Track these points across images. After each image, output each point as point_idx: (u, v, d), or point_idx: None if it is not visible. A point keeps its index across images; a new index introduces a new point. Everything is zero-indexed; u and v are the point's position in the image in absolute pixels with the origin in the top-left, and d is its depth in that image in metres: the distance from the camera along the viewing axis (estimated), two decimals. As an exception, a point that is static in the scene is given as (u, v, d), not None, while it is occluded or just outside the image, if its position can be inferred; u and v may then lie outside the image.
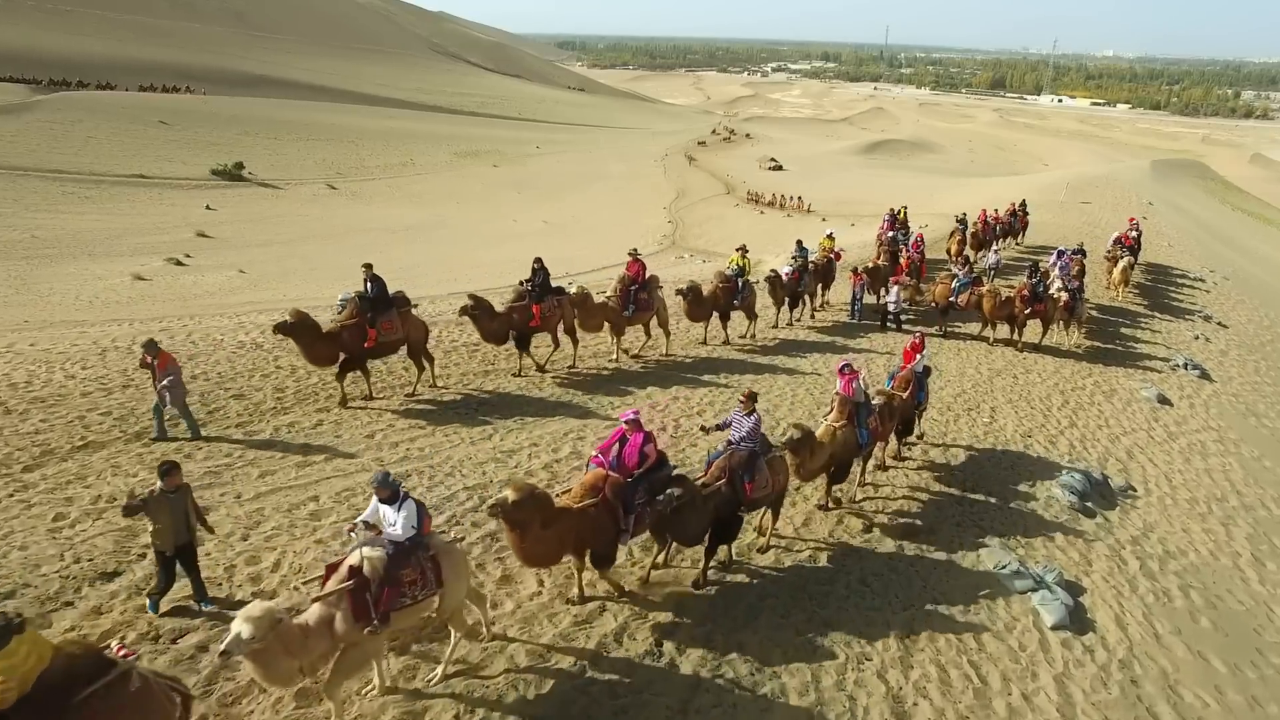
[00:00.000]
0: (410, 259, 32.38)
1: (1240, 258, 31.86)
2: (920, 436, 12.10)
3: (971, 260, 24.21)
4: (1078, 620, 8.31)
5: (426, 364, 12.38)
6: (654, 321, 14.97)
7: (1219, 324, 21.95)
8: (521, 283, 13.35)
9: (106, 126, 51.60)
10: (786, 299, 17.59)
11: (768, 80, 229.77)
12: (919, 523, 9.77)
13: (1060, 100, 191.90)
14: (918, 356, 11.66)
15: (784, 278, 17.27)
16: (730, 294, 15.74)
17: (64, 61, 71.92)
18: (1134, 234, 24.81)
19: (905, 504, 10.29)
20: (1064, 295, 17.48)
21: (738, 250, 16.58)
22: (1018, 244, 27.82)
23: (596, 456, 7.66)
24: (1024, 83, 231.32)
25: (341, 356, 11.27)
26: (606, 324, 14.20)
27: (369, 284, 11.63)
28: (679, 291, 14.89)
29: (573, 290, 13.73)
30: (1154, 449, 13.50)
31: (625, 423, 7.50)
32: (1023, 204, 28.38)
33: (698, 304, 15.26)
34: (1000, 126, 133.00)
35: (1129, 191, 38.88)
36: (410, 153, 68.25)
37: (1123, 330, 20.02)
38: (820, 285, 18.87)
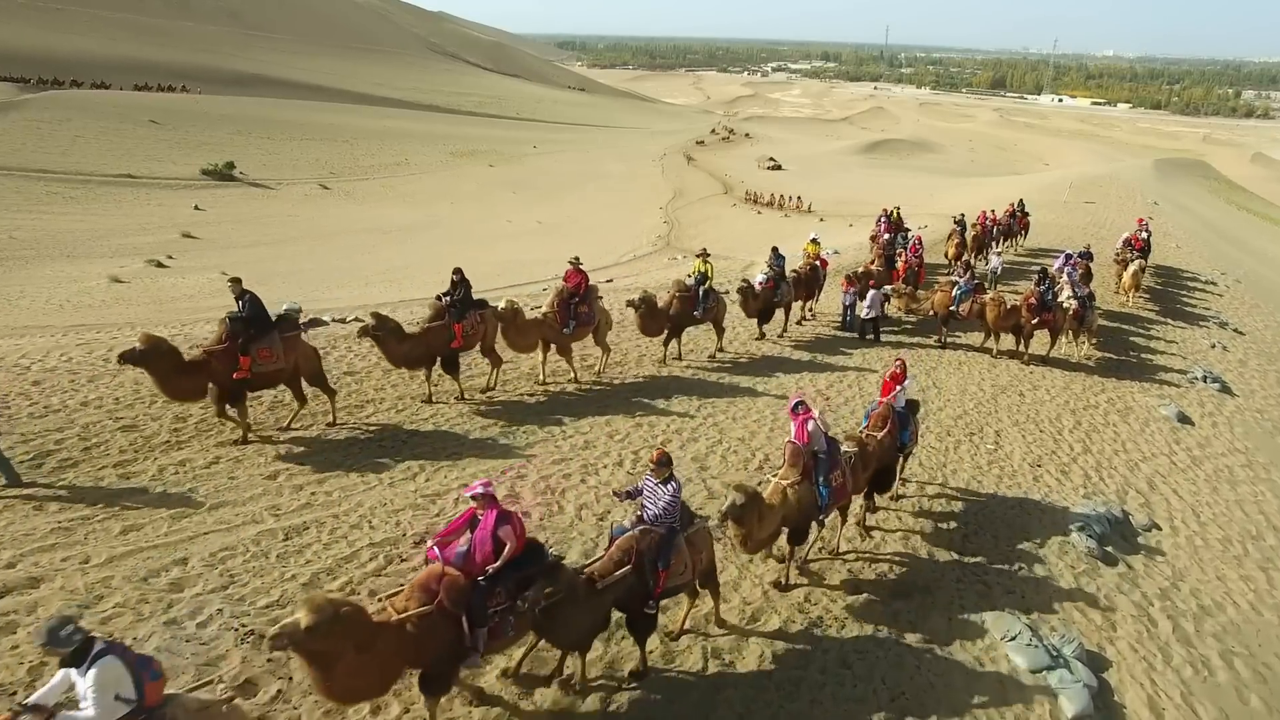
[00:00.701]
0: (400, 260, 31.68)
1: (1250, 259, 31.05)
2: (899, 493, 10.16)
3: (972, 265, 22.99)
4: (1104, 706, 7.10)
5: (328, 396, 10.78)
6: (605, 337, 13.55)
7: (1235, 330, 20.79)
8: (439, 297, 11.69)
9: (95, 126, 50.90)
10: (760, 311, 15.92)
11: (768, 80, 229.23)
12: (912, 580, 8.46)
13: (1061, 100, 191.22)
14: (898, 389, 9.72)
15: (756, 287, 15.65)
16: (690, 305, 14.16)
17: (55, 60, 71.26)
18: (1144, 235, 23.72)
19: (896, 556, 8.91)
20: (1073, 304, 16.30)
21: (699, 255, 14.96)
22: (1015, 248, 26.51)
23: (431, 548, 5.95)
24: (1024, 82, 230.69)
25: (211, 388, 9.61)
26: (541, 343, 12.53)
27: (241, 302, 9.83)
28: (630, 303, 13.29)
29: (502, 304, 12.01)
30: (1177, 477, 12.24)
31: (472, 498, 5.84)
32: (1021, 204, 27.02)
33: (652, 317, 13.59)
34: (1001, 126, 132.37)
35: (1133, 191, 38.17)
36: (405, 152, 67.59)
37: (1135, 339, 18.77)
38: (804, 295, 17.43)
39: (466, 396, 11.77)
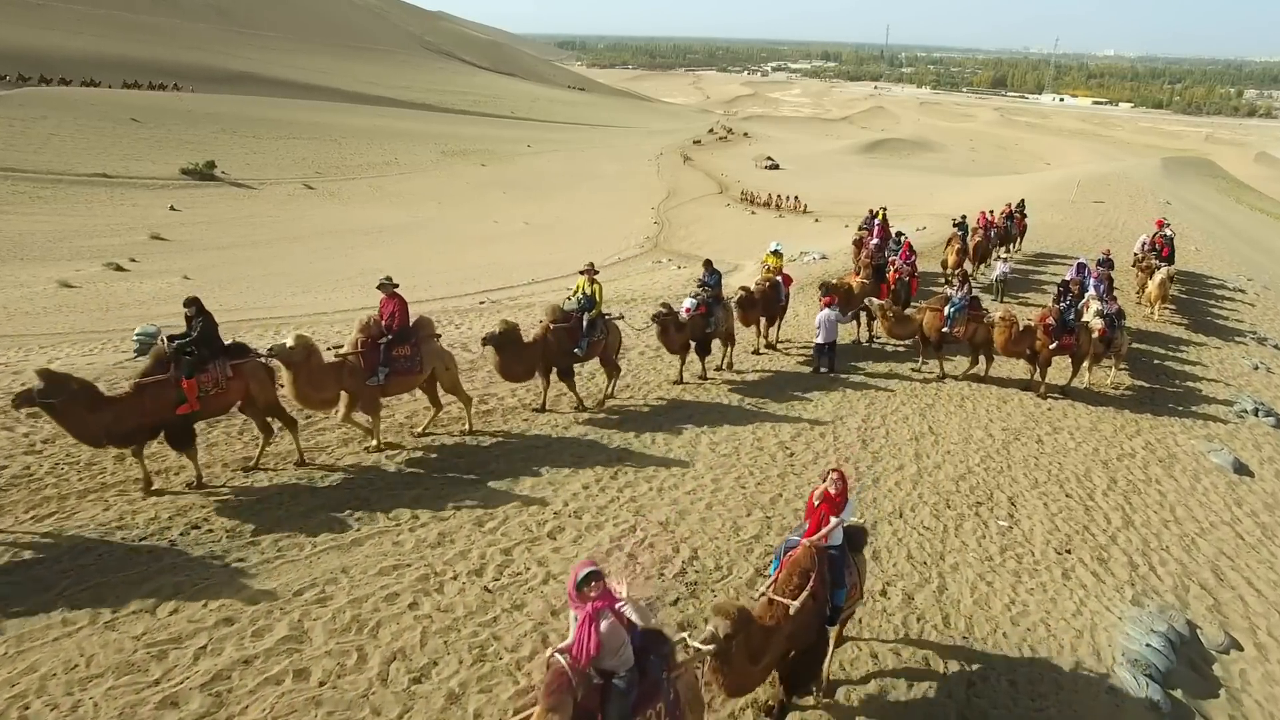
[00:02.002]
0: (378, 263, 30.18)
1: (1274, 263, 29.42)
2: (822, 690, 6.24)
3: (972, 273, 20.33)
4: None
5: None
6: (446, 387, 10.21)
7: (1275, 346, 18.18)
8: (169, 340, 8.43)
9: (72, 124, 49.52)
10: (686, 346, 12.69)
11: (768, 80, 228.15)
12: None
13: (1062, 99, 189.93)
14: (833, 521, 5.99)
15: (682, 314, 12.46)
16: (570, 338, 10.99)
17: (36, 57, 69.93)
18: (1166, 235, 21.41)
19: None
20: (1099, 323, 13.77)
21: (583, 272, 11.39)
22: (1007, 253, 23.28)
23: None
24: (1025, 82, 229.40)
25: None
26: (345, 396, 9.26)
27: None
28: (485, 339, 10.39)
29: (290, 343, 8.73)
30: (1249, 558, 9.49)
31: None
32: (1020, 205, 24.71)
33: (515, 355, 10.54)
34: (1002, 125, 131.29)
35: (1143, 190, 36.73)
36: (395, 151, 66.28)
37: (1167, 362, 16.25)
38: (758, 320, 14.50)
39: (259, 466, 8.84)
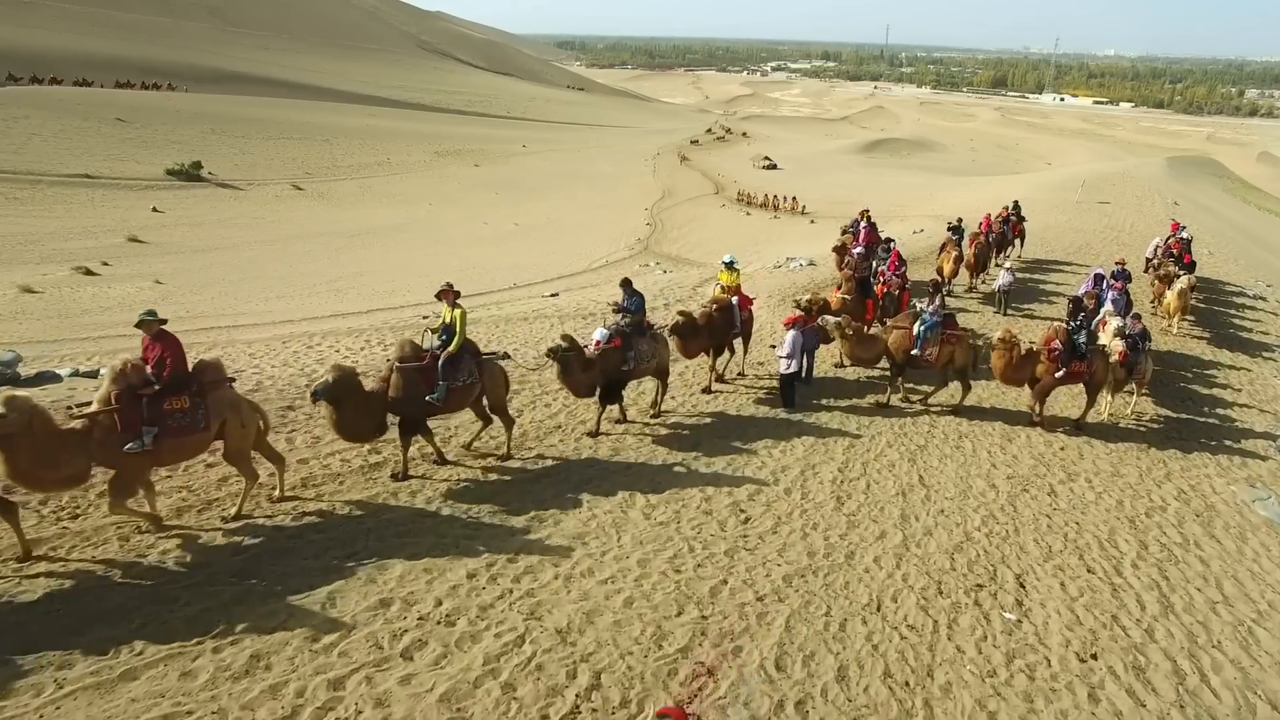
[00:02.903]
0: (356, 267, 29.35)
1: (1289, 267, 28.35)
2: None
3: (971, 284, 19.30)
4: None
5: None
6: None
7: None
8: None
9: (55, 124, 48.56)
10: (594, 388, 10.47)
11: (767, 80, 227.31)
12: None
13: (1063, 99, 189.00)
14: None
15: (590, 349, 10.32)
16: (423, 382, 8.78)
17: (27, 56, 68.87)
18: (1184, 238, 19.88)
19: None
20: (1119, 345, 12.00)
21: (442, 296, 9.17)
22: (998, 261, 21.20)
23: None
24: (1025, 82, 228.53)
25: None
26: (97, 467, 7.22)
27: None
28: (313, 393, 8.23)
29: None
30: None
31: None
32: (1015, 207, 22.63)
33: (357, 409, 8.52)
34: (1002, 125, 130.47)
35: (1150, 190, 35.72)
36: (387, 152, 65.40)
37: (1192, 385, 14.43)
38: (703, 350, 12.38)
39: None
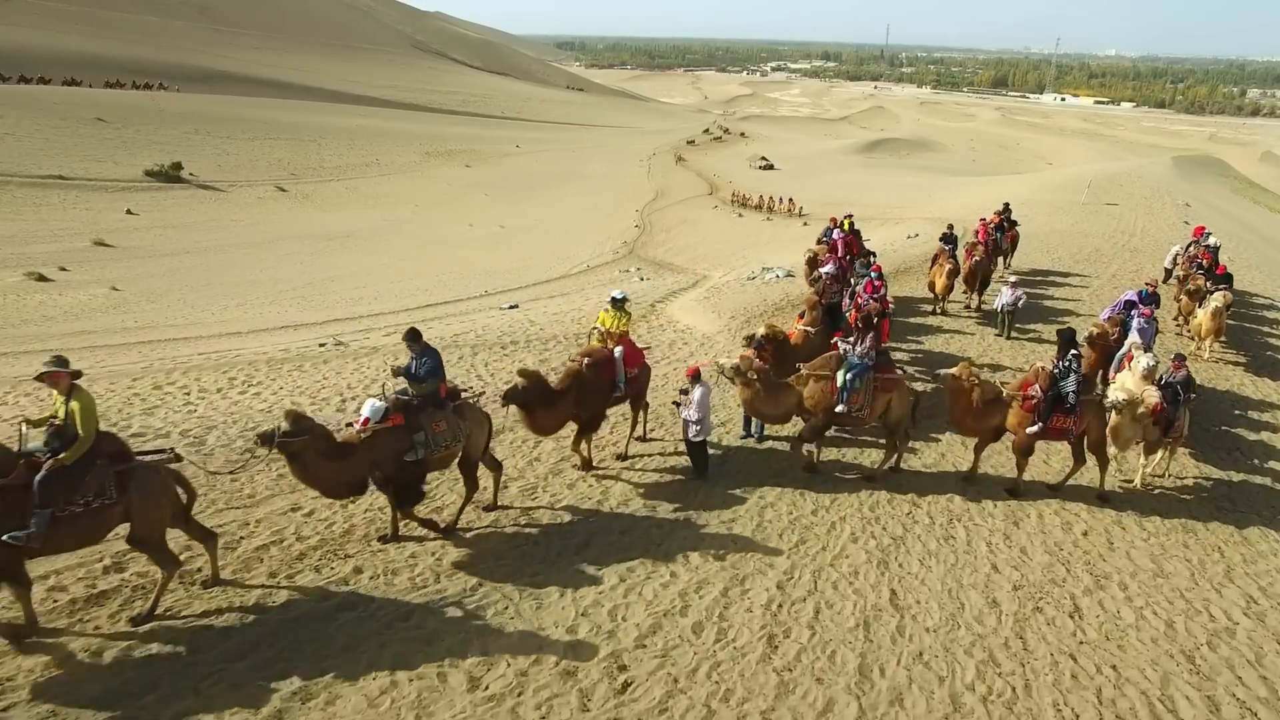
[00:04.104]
0: (329, 271, 28.09)
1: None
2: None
3: (971, 302, 16.71)
4: None
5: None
6: None
7: None
8: None
9: (30, 123, 47.36)
10: (365, 485, 7.57)
11: (767, 80, 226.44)
12: None
13: (1063, 99, 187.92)
14: None
15: (357, 426, 7.46)
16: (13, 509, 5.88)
17: (16, 55, 67.70)
18: (1210, 244, 17.43)
19: None
20: (1153, 397, 9.39)
21: (49, 379, 6.29)
22: (1003, 275, 18.74)
23: None
24: (1026, 82, 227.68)
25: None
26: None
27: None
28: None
29: None
30: None
31: None
32: (1007, 211, 19.89)
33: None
34: (1003, 125, 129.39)
35: (1158, 191, 34.34)
36: (377, 152, 64.20)
37: (1236, 430, 11.82)
38: (581, 417, 9.35)
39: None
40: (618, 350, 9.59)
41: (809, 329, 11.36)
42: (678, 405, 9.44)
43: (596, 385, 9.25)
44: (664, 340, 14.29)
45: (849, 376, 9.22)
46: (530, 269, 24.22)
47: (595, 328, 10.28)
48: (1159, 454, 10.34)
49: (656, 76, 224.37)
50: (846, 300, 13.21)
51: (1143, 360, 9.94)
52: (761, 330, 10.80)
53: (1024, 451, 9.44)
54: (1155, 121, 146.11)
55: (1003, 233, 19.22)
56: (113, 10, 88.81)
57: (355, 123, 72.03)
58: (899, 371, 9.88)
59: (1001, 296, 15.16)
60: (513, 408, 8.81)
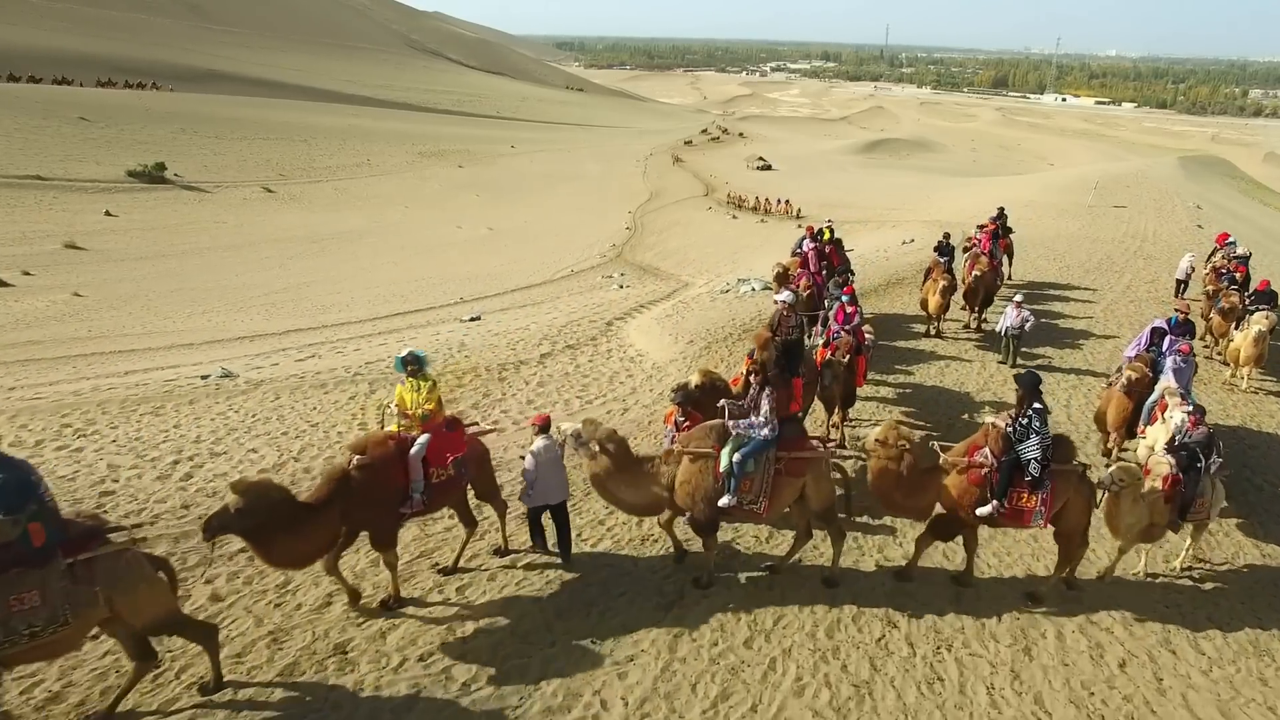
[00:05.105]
0: (306, 276, 27.07)
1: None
2: None
3: (970, 322, 14.86)
4: None
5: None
6: None
7: None
8: None
9: (9, 122, 46.41)
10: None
11: (766, 80, 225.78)
12: None
13: (1064, 99, 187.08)
14: None
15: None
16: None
17: (5, 54, 66.69)
18: (1239, 254, 15.57)
19: None
20: (1164, 464, 7.48)
21: None
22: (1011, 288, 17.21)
23: None
24: (1027, 82, 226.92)
25: None
26: None
27: None
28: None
29: None
30: None
31: None
32: (1000, 216, 17.90)
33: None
34: (1003, 125, 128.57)
35: (1167, 193, 33.19)
36: (368, 153, 63.27)
37: None
38: (352, 532, 6.71)
39: None
40: (418, 443, 6.56)
41: (752, 375, 8.24)
42: (524, 458, 7.33)
43: (374, 495, 6.37)
44: (604, 373, 12.04)
45: (738, 457, 6.68)
46: (513, 273, 23.17)
47: (386, 407, 7.26)
48: (1187, 543, 7.96)
49: (656, 77, 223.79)
50: (820, 329, 11.20)
51: (1179, 412, 7.96)
52: (695, 379, 8.19)
53: (966, 536, 7.21)
54: (1157, 122, 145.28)
55: (996, 240, 16.99)
56: (104, 9, 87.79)
57: (347, 122, 71.06)
58: (817, 447, 7.19)
59: (1006, 318, 13.09)
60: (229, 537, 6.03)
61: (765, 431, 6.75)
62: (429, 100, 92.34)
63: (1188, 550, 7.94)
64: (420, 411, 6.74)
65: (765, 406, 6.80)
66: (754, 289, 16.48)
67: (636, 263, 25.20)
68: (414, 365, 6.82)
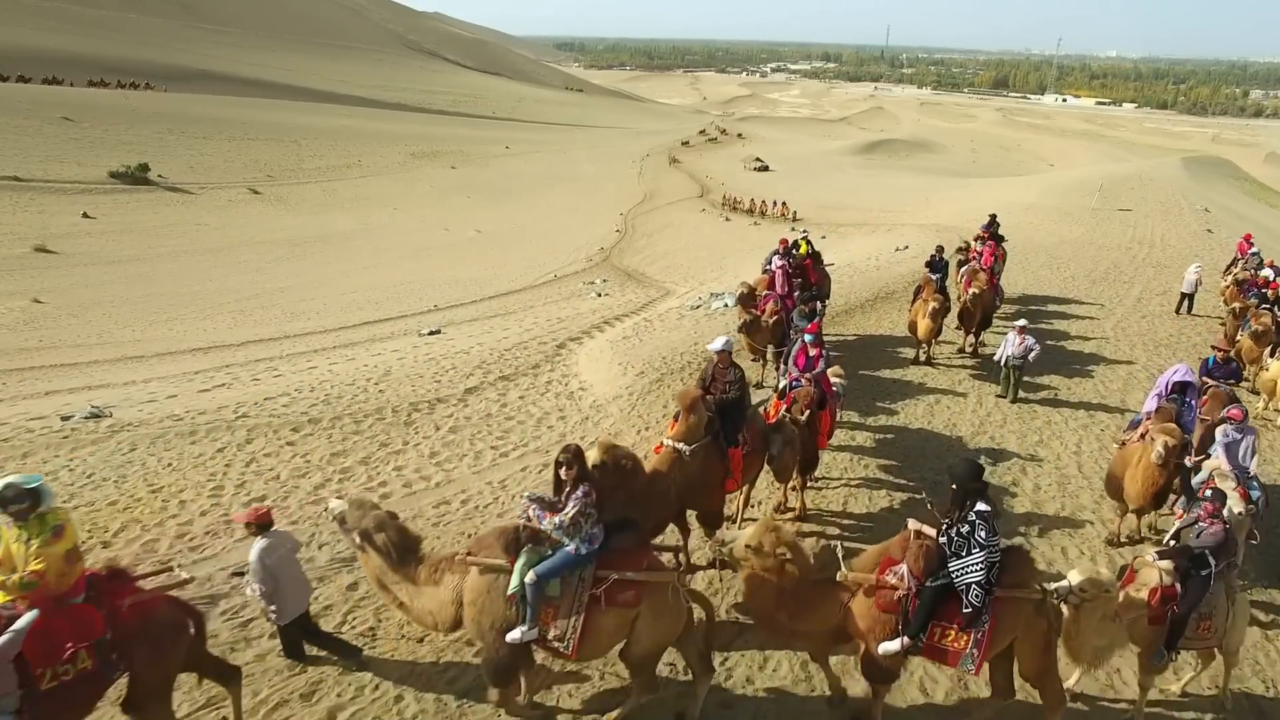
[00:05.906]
0: (281, 281, 26.17)
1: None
2: None
3: (964, 346, 13.31)
4: None
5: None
6: None
7: None
8: None
9: (-10, 122, 45.42)
10: None
11: (766, 80, 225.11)
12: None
13: (1065, 100, 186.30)
14: None
15: None
16: None
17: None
18: (1268, 273, 14.05)
19: None
20: (1154, 572, 5.48)
21: None
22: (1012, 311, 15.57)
23: None
24: (1027, 82, 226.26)
25: None
26: None
27: None
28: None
29: None
30: None
31: None
32: (993, 224, 16.30)
33: None
34: (1004, 126, 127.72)
35: (1173, 195, 32.18)
36: (359, 153, 62.36)
37: None
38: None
39: None
40: (21, 620, 4.11)
41: (680, 446, 6.65)
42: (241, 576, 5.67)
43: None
44: (533, 414, 10.28)
45: (532, 576, 4.87)
46: (495, 278, 22.24)
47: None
48: (1195, 668, 6.02)
49: (655, 77, 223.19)
50: (782, 368, 9.02)
51: (1239, 505, 6.02)
52: (594, 454, 5.93)
53: (882, 675, 5.23)
54: (1157, 122, 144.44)
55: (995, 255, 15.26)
56: (95, 8, 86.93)
57: (339, 123, 70.14)
58: (664, 564, 5.31)
59: (1007, 345, 11.38)
60: None
61: (572, 544, 4.89)
62: (424, 100, 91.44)
63: (1218, 675, 5.73)
64: (27, 574, 4.17)
65: (571, 509, 4.90)
66: (726, 305, 14.86)
67: (622, 267, 24.22)
68: (16, 505, 4.20)
